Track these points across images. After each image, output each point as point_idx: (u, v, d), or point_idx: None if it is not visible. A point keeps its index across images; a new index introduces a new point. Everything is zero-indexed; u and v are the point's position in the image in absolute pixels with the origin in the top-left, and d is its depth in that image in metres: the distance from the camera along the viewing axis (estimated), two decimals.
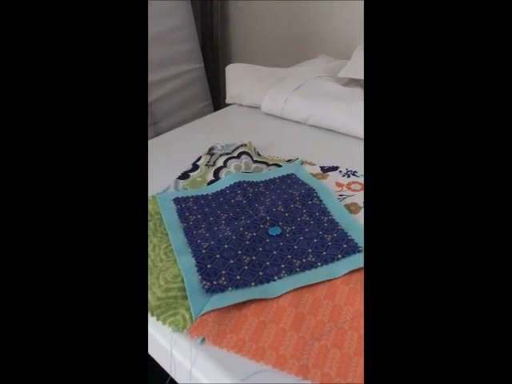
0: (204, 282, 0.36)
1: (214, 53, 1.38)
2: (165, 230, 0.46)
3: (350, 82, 0.91)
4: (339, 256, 0.41)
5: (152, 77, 1.08)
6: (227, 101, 0.88)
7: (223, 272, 0.38)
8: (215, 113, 0.86)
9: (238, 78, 0.88)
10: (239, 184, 0.53)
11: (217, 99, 1.40)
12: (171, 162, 0.62)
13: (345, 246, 0.43)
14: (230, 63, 0.93)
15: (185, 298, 0.36)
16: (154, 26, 1.03)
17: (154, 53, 1.05)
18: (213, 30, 1.34)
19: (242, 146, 0.61)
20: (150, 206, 0.49)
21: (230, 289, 0.36)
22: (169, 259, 0.41)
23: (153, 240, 0.44)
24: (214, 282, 0.37)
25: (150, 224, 0.47)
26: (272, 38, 1.27)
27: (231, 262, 0.39)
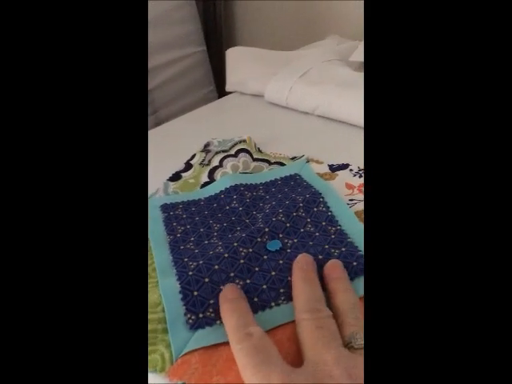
0: (188, 315, 0.31)
1: (217, 34, 1.30)
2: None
3: (363, 66, 0.82)
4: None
5: (150, 62, 1.02)
6: (227, 89, 0.81)
7: (211, 302, 0.32)
8: (214, 103, 0.79)
9: (239, 63, 0.80)
10: (235, 188, 0.47)
11: (221, 84, 1.33)
12: (163, 159, 0.56)
13: (355, 263, 0.37)
14: (235, 45, 0.85)
15: (166, 331, 0.31)
16: (150, 7, 0.95)
17: (151, 36, 0.98)
18: (215, 10, 1.25)
19: (240, 142, 0.55)
20: None
21: (218, 322, 0.31)
22: (151, 280, 0.36)
23: None
24: (200, 315, 0.31)
25: None
26: (279, 17, 1.18)
27: (221, 288, 0.33)
